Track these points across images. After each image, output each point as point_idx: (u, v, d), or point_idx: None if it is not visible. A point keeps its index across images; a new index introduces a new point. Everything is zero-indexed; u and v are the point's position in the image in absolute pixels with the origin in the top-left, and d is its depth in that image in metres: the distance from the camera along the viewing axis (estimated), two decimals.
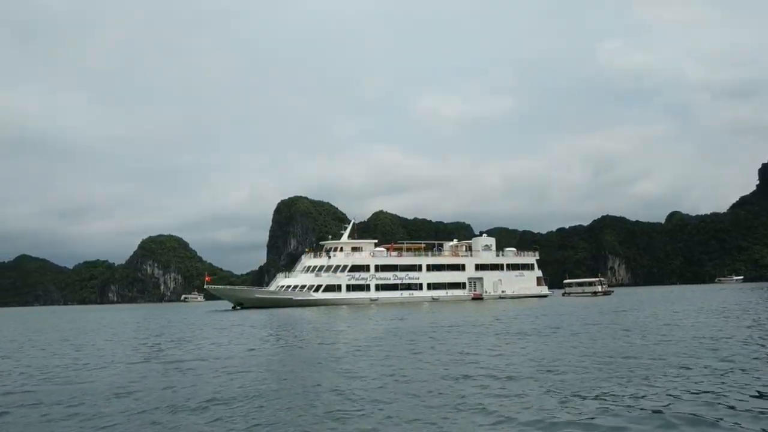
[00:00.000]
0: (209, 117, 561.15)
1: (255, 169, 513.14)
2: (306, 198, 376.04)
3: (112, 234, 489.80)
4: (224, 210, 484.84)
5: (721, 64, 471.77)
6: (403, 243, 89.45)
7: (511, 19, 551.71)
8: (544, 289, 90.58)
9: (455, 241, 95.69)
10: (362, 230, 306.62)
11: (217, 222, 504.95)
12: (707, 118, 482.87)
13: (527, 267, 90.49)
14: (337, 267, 79.64)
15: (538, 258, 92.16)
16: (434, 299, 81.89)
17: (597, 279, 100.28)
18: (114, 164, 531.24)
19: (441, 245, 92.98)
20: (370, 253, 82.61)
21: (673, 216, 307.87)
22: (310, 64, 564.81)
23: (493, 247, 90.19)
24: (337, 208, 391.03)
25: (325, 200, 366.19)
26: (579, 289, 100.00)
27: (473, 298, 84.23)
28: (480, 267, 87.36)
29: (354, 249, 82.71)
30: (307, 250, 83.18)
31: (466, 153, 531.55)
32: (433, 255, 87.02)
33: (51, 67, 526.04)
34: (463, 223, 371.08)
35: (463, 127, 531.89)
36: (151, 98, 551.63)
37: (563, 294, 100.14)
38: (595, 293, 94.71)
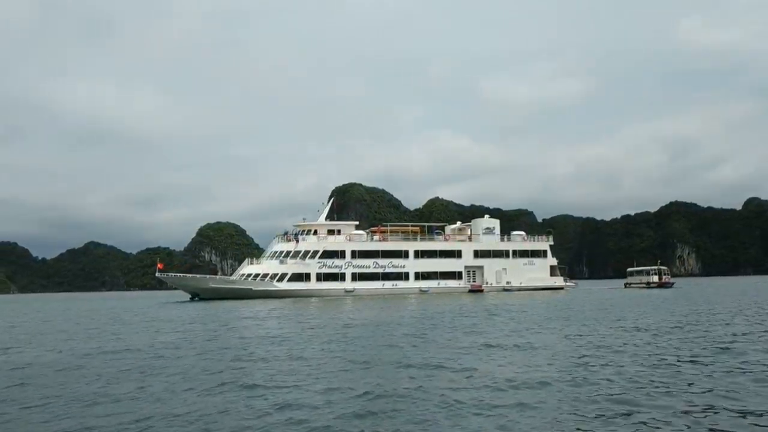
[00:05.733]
0: (274, 106, 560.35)
1: (321, 158, 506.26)
2: (360, 185, 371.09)
3: (178, 222, 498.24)
4: (289, 199, 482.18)
5: None
6: (387, 225, 77.40)
7: None
8: (558, 280, 76.57)
9: (458, 224, 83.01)
10: (417, 218, 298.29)
11: (283, 210, 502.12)
12: None
13: (538, 254, 76.61)
14: (306, 253, 68.91)
15: (551, 243, 77.92)
16: (423, 291, 69.98)
17: (654, 267, 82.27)
18: (181, 154, 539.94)
19: (441, 228, 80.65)
20: (347, 237, 71.33)
21: (751, 202, 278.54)
22: (375, 51, 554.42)
23: (497, 231, 76.82)
24: (392, 195, 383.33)
25: (389, 188, 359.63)
26: (637, 279, 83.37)
27: (471, 290, 71.68)
28: (480, 254, 74.45)
29: (330, 232, 71.60)
30: (277, 233, 72.75)
31: (535, 138, 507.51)
32: (422, 239, 74.69)
33: (121, 60, 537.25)
34: (526, 210, 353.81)
35: (532, 111, 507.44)
36: (217, 89, 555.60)
37: (625, 285, 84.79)
38: (648, 284, 78.99)
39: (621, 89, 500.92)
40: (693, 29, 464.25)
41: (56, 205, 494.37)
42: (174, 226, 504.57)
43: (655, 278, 79.22)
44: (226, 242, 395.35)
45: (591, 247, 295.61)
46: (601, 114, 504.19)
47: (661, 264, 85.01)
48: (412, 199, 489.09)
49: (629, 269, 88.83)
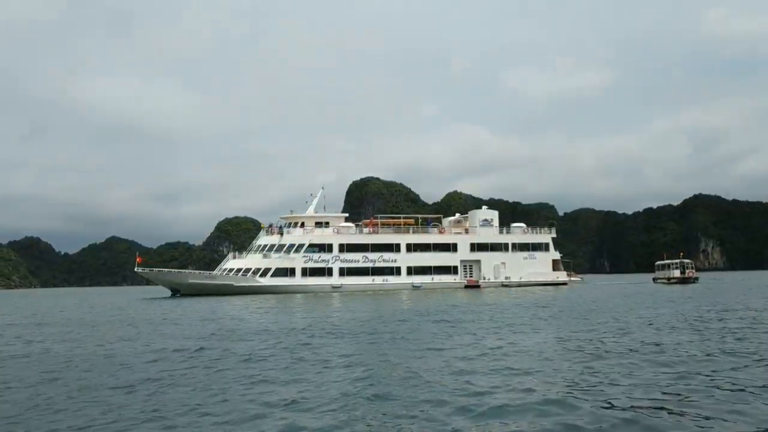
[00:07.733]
0: (294, 102, 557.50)
1: (341, 153, 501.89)
2: (378, 179, 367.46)
3: (199, 217, 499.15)
4: (309, 194, 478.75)
5: None
6: (378, 217, 73.57)
7: None
8: (561, 275, 72.00)
9: (457, 216, 78.98)
10: (434, 211, 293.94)
11: (303, 205, 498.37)
12: None
13: (540, 247, 72.08)
14: (291, 246, 65.40)
15: (554, 236, 73.32)
16: (415, 287, 66.03)
17: (676, 261, 74.50)
18: (203, 149, 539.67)
19: (438, 220, 76.55)
20: (335, 230, 67.62)
21: None
22: (395, 45, 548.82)
23: (495, 223, 72.54)
24: (409, 189, 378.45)
25: (409, 182, 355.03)
26: (661, 274, 76.94)
27: (467, 286, 67.60)
28: (477, 247, 70.19)
29: (318, 224, 67.94)
30: (261, 225, 69.36)
31: (556, 131, 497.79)
32: (415, 232, 70.67)
33: (143, 56, 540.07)
34: (546, 203, 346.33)
35: (555, 104, 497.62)
36: (238, 85, 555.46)
37: (654, 280, 78.43)
38: (669, 280, 72.70)
39: (645, 81, 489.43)
40: (720, 18, 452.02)
41: (79, 201, 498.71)
42: (195, 220, 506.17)
43: (677, 273, 72.22)
44: (244, 237, 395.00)
45: (612, 241, 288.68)
46: (625, 106, 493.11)
47: (685, 258, 77.84)
48: (432, 193, 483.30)
49: (657, 263, 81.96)
